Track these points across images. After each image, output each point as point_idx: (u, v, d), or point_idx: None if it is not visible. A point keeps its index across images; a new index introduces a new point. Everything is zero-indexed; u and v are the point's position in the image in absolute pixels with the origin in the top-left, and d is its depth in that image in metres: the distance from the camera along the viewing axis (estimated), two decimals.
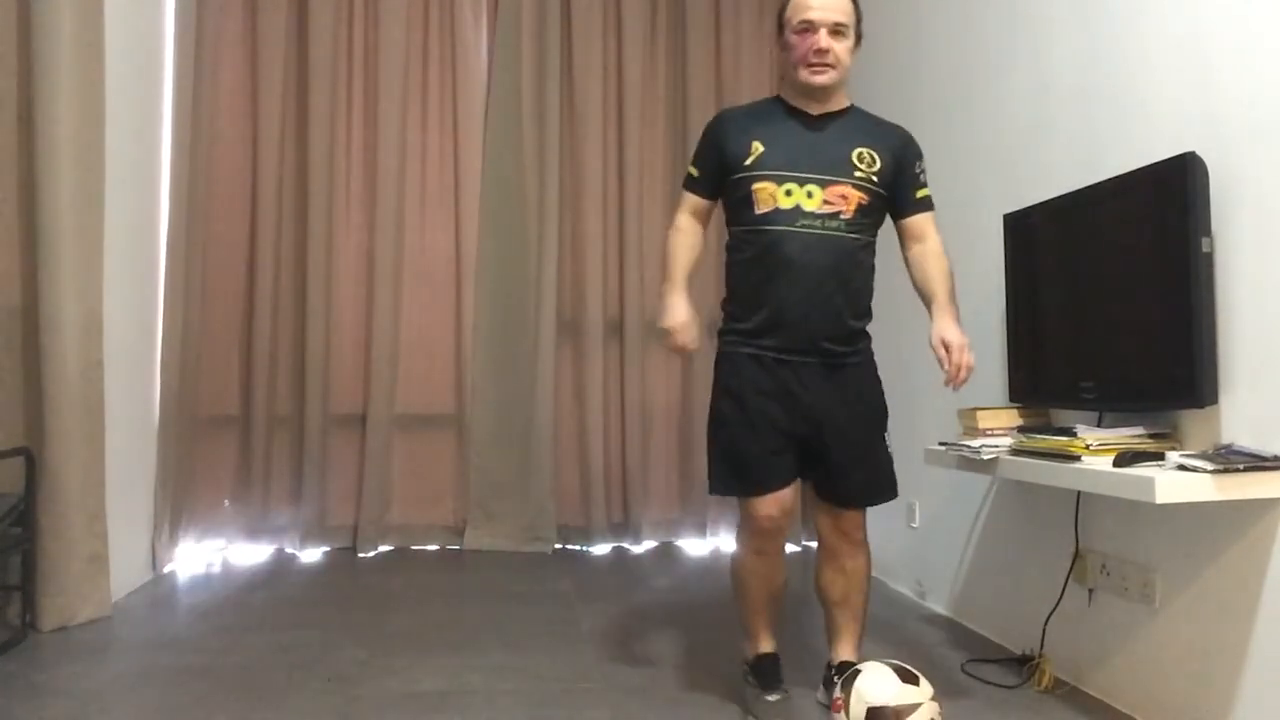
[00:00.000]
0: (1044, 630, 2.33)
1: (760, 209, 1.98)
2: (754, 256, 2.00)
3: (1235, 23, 1.82)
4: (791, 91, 2.06)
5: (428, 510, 3.96)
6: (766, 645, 2.15)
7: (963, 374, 1.94)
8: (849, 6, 1.99)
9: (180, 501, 3.56)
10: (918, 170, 2.08)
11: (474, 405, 3.94)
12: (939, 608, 2.96)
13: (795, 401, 2.00)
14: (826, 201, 1.96)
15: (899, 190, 2.06)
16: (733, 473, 2.03)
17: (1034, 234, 2.33)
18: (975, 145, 2.79)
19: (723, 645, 2.26)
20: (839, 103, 2.07)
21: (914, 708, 1.73)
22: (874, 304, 2.10)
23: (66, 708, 2.06)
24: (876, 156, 2.01)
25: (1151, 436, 1.94)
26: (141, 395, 3.30)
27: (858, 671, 1.81)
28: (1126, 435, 1.95)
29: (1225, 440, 1.82)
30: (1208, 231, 1.79)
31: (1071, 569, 2.26)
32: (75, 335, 2.65)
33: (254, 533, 3.78)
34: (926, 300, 2.06)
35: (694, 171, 2.14)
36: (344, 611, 2.91)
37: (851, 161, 1.99)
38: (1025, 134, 2.53)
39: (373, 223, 3.88)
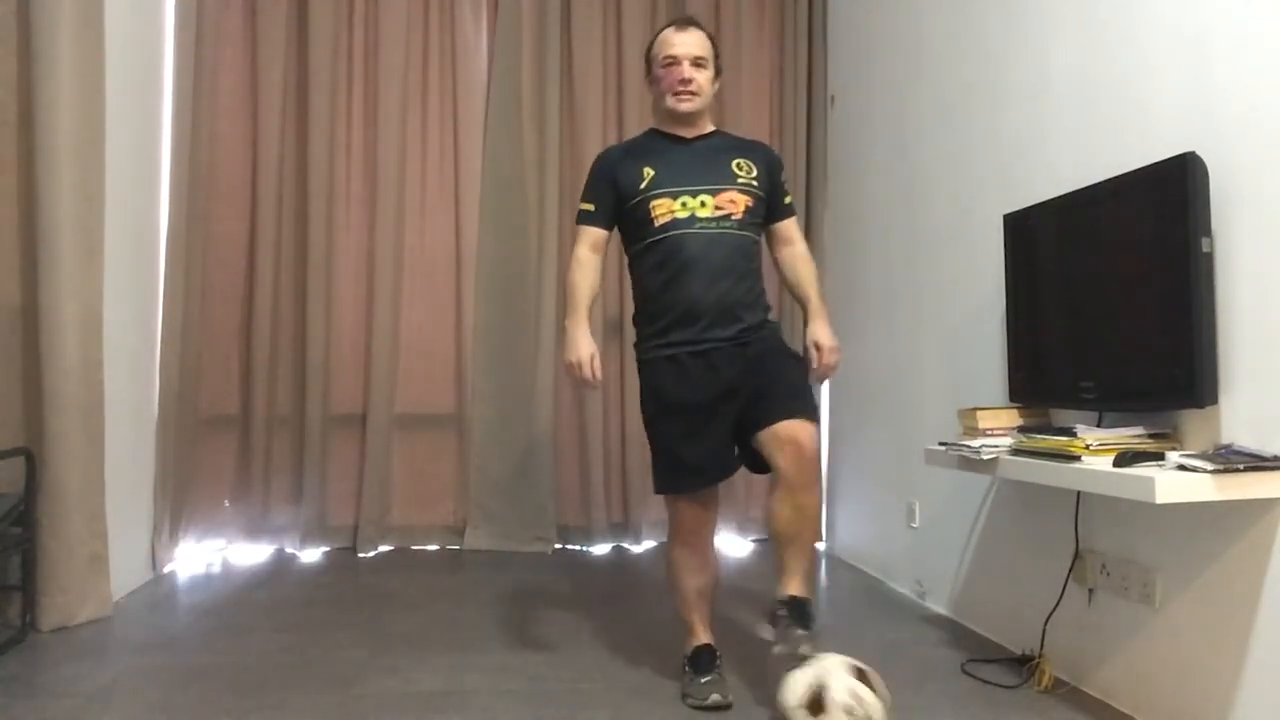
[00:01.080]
0: (1044, 630, 2.33)
1: (659, 221, 2.18)
2: (658, 262, 2.19)
3: (1235, 23, 1.82)
4: (665, 121, 2.30)
5: (428, 510, 3.96)
6: (702, 638, 2.27)
7: (830, 373, 2.26)
8: (707, 43, 2.26)
9: (180, 501, 3.56)
10: (782, 179, 2.35)
11: (474, 405, 3.94)
12: (939, 608, 2.96)
13: (715, 376, 2.15)
14: (718, 207, 2.18)
15: (769, 197, 2.29)
16: (662, 472, 2.23)
17: (1034, 234, 2.33)
18: (975, 145, 2.78)
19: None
20: (706, 126, 2.31)
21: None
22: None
23: (66, 708, 2.06)
24: (751, 165, 2.26)
25: (1151, 436, 1.94)
26: (141, 395, 3.31)
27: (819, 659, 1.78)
28: (1126, 435, 1.95)
29: (1225, 440, 1.82)
30: (1208, 231, 1.79)
31: (1071, 569, 2.26)
32: (75, 335, 2.65)
33: (254, 533, 3.78)
34: (801, 302, 2.34)
35: (589, 207, 2.30)
36: (344, 611, 2.91)
37: (732, 170, 2.23)
38: (1025, 134, 2.52)
39: (373, 223, 3.89)
